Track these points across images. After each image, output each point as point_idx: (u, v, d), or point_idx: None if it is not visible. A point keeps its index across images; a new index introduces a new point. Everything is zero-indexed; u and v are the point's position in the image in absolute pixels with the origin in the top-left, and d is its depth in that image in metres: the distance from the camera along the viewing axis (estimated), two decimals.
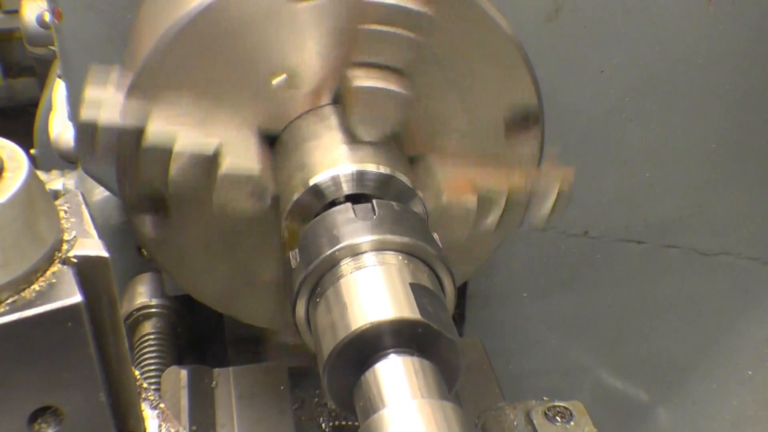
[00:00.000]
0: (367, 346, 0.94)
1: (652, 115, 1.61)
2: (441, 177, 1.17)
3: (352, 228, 1.02)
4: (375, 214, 1.04)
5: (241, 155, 1.10)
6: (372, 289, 0.97)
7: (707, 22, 1.52)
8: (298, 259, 1.04)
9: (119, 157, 1.12)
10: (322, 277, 1.01)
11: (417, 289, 0.97)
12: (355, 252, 1.00)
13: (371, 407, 0.91)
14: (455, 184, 1.17)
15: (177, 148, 1.08)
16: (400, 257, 1.01)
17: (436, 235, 1.08)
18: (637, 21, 1.50)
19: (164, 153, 1.08)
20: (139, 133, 1.07)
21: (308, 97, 1.15)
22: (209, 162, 1.09)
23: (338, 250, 1.00)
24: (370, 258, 1.00)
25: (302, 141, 1.14)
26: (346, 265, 1.00)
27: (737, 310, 1.84)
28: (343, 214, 1.05)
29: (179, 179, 1.10)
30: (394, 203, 1.07)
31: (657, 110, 1.61)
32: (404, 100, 1.10)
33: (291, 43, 1.11)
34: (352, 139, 1.12)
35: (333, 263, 1.01)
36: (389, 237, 1.01)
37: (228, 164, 1.08)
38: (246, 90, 1.13)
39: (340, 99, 1.14)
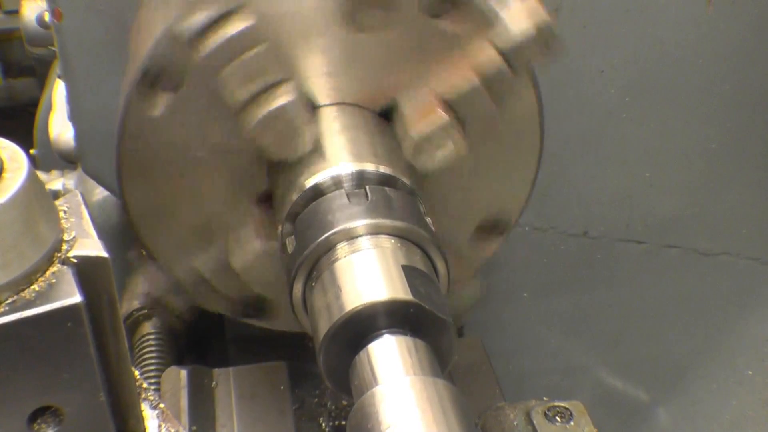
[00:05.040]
0: (361, 327, 0.96)
1: (652, 115, 1.61)
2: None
3: (347, 213, 1.04)
4: (368, 199, 1.05)
5: (298, 101, 1.10)
6: (366, 271, 0.99)
7: (707, 22, 1.52)
8: (294, 245, 1.06)
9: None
10: (318, 261, 1.03)
11: (410, 271, 0.99)
12: (350, 236, 1.02)
13: (365, 385, 0.93)
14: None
15: (252, 58, 1.06)
16: (393, 241, 1.02)
17: (429, 220, 1.09)
18: (637, 21, 1.50)
19: (239, 52, 1.06)
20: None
21: (358, 94, 1.16)
22: (267, 86, 1.08)
23: (334, 234, 1.02)
24: (365, 241, 1.02)
25: (322, 131, 1.15)
26: (341, 248, 1.02)
27: (737, 310, 1.84)
28: (338, 199, 1.06)
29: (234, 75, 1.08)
30: (387, 188, 1.08)
31: (657, 110, 1.61)
32: (460, 153, 1.13)
33: (383, 40, 1.12)
34: (401, 154, 1.14)
35: (329, 247, 1.02)
36: (383, 221, 1.03)
37: (287, 101, 1.08)
38: (315, 51, 1.13)
39: (398, 114, 1.16)
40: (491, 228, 1.27)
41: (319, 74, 1.15)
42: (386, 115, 1.19)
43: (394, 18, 1.12)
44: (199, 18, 1.05)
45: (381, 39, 1.13)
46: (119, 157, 1.16)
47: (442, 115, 1.13)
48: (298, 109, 1.09)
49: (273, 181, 1.17)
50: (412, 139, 1.13)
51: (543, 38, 1.12)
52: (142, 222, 1.21)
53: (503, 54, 1.12)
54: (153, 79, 1.11)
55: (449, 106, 1.13)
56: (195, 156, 1.16)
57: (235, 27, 1.05)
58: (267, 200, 1.19)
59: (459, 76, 1.13)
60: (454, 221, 1.24)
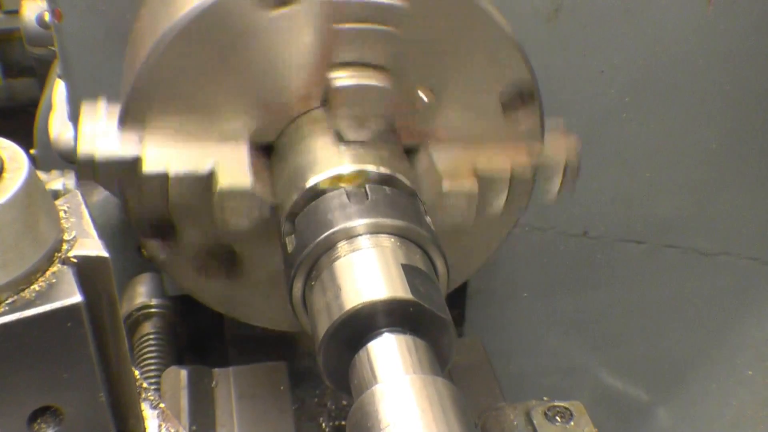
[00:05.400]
0: (361, 326, 0.96)
1: (652, 115, 1.61)
2: (440, 164, 1.18)
3: (347, 212, 1.04)
4: (368, 199, 1.05)
5: (235, 171, 1.11)
6: (366, 270, 0.99)
7: (707, 22, 1.52)
8: (294, 244, 1.06)
9: (121, 187, 1.14)
10: (317, 260, 1.03)
11: (409, 270, 0.99)
12: (350, 235, 1.02)
13: (364, 384, 0.93)
14: (454, 169, 1.18)
15: (172, 173, 1.10)
16: (393, 240, 1.03)
17: (429, 219, 1.09)
18: (637, 21, 1.50)
19: (162, 178, 1.10)
20: (135, 161, 1.10)
21: (299, 102, 1.15)
22: (205, 181, 1.10)
23: (334, 233, 1.02)
24: (364, 241, 1.02)
25: (298, 144, 1.15)
26: (341, 247, 1.02)
27: (737, 310, 1.84)
28: (337, 199, 1.06)
29: (179, 202, 1.12)
30: (386, 188, 1.08)
31: (657, 110, 1.61)
32: (388, 95, 1.11)
33: (275, 50, 1.11)
34: (340, 140, 1.12)
35: (329, 246, 1.03)
36: (383, 220, 1.03)
37: (222, 183, 1.09)
38: (235, 102, 1.13)
39: (326, 101, 1.15)
40: (518, 100, 1.24)
41: (274, 99, 1.16)
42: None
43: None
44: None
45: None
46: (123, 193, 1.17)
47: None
48: (236, 182, 1.11)
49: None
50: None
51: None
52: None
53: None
54: (150, 232, 1.18)
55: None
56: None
57: (145, 164, 1.10)
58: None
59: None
60: (475, 114, 1.22)
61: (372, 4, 1.08)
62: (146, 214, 1.16)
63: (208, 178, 1.11)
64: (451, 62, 1.17)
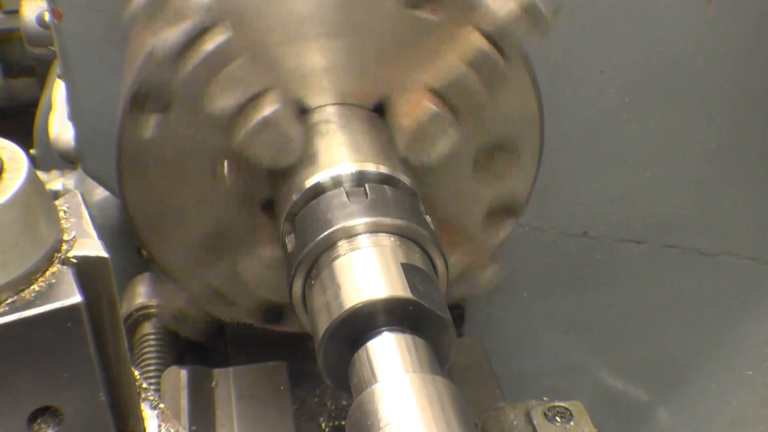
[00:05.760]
0: (360, 325, 0.96)
1: (652, 115, 1.61)
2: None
3: (346, 211, 1.04)
4: (368, 198, 1.05)
5: (284, 108, 1.10)
6: (365, 269, 0.99)
7: (707, 22, 1.52)
8: (293, 243, 1.06)
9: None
10: (317, 259, 1.03)
11: (409, 269, 0.99)
12: (349, 234, 1.02)
13: (364, 383, 0.93)
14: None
15: (233, 71, 1.06)
16: (393, 239, 1.03)
17: (428, 218, 1.09)
18: (637, 21, 1.50)
19: (220, 66, 1.06)
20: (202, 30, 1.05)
21: (350, 92, 1.16)
22: (251, 96, 1.08)
23: (333, 232, 1.03)
24: (364, 240, 1.02)
25: (319, 132, 1.15)
26: (341, 246, 1.02)
27: (737, 310, 1.84)
28: (337, 198, 1.06)
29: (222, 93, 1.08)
30: (386, 187, 1.08)
31: (657, 110, 1.61)
32: (456, 141, 1.13)
33: (368, 36, 1.12)
34: (396, 150, 1.14)
35: (328, 245, 1.03)
36: (383, 219, 1.03)
37: (272, 110, 1.08)
38: (302, 54, 1.12)
39: (390, 110, 1.16)
40: (503, 211, 1.26)
41: (308, 77, 1.14)
42: (381, 111, 1.19)
43: (375, 12, 1.12)
44: (176, 37, 1.04)
45: (367, 36, 1.13)
46: (120, 171, 1.16)
47: (429, 107, 1.13)
48: (285, 116, 1.09)
49: (274, 187, 1.17)
50: (404, 133, 1.14)
51: (529, 16, 1.11)
52: (148, 233, 1.21)
53: (489, 37, 1.11)
54: (142, 102, 1.11)
55: (441, 96, 1.12)
56: (194, 167, 1.16)
57: (212, 42, 1.04)
58: (272, 207, 1.19)
59: (447, 65, 1.12)
60: (464, 207, 1.24)
61: (491, 58, 1.10)
62: (149, 84, 1.12)
63: (260, 95, 1.08)
64: (483, 150, 1.21)
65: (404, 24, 1.12)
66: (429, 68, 1.13)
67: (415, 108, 1.13)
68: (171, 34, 1.04)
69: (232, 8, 1.07)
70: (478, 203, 1.25)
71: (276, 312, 1.28)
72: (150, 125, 1.12)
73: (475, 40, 1.11)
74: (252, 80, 1.07)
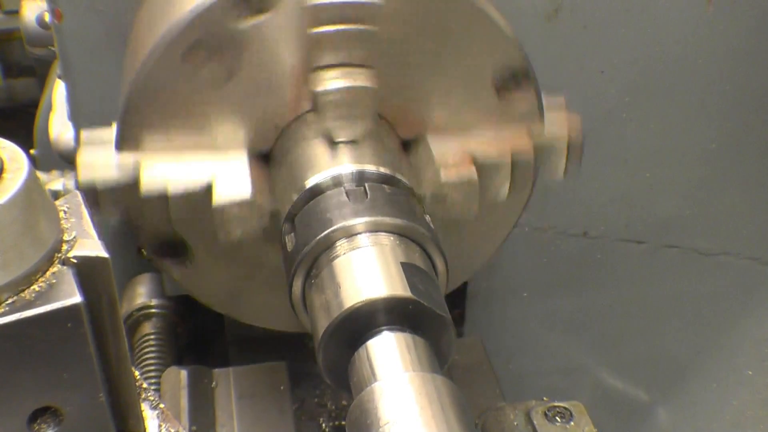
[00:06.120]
0: (360, 324, 0.96)
1: (652, 115, 1.61)
2: (437, 154, 1.17)
3: (346, 210, 1.04)
4: (367, 197, 1.06)
5: (234, 182, 1.11)
6: (365, 268, 0.99)
7: (707, 22, 1.52)
8: (293, 243, 1.06)
9: (125, 211, 1.14)
10: (317, 258, 1.03)
11: (408, 268, 0.99)
12: (349, 233, 1.03)
13: (364, 382, 0.93)
14: (452, 158, 1.17)
15: (171, 191, 1.10)
16: (392, 238, 1.03)
17: (428, 217, 1.09)
18: (637, 21, 1.50)
19: (162, 198, 1.10)
20: (135, 184, 1.10)
21: (290, 108, 1.15)
22: (205, 195, 1.10)
23: (333, 231, 1.03)
24: (364, 239, 1.02)
25: (295, 148, 1.15)
26: (340, 246, 1.02)
27: (737, 310, 1.84)
28: (336, 197, 1.07)
29: (182, 218, 1.12)
30: (386, 186, 1.08)
31: (657, 110, 1.61)
32: (373, 93, 1.11)
33: (260, 58, 1.11)
34: (331, 142, 1.13)
35: (328, 244, 1.03)
36: (382, 218, 1.03)
37: (219, 195, 1.09)
38: (228, 113, 1.13)
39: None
40: (512, 81, 1.22)
41: (268, 114, 1.15)
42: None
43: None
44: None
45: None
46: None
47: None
48: (233, 195, 1.10)
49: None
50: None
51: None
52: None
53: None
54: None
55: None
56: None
57: (142, 186, 1.10)
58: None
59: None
60: (465, 98, 1.21)
61: (347, 4, 1.08)
62: (154, 234, 1.17)
63: (207, 192, 1.10)
64: (438, 53, 1.15)
65: (479, 93, 1.18)
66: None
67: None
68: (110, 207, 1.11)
69: (141, 140, 1.12)
70: (478, 88, 1.21)
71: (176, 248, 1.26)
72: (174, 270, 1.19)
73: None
74: (191, 184, 1.11)
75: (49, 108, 2.08)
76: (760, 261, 1.80)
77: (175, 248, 1.19)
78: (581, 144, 1.21)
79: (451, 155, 1.17)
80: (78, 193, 0.83)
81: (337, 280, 1.00)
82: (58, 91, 2.00)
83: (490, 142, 1.19)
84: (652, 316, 1.84)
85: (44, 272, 0.75)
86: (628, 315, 1.83)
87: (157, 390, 1.37)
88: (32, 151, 2.41)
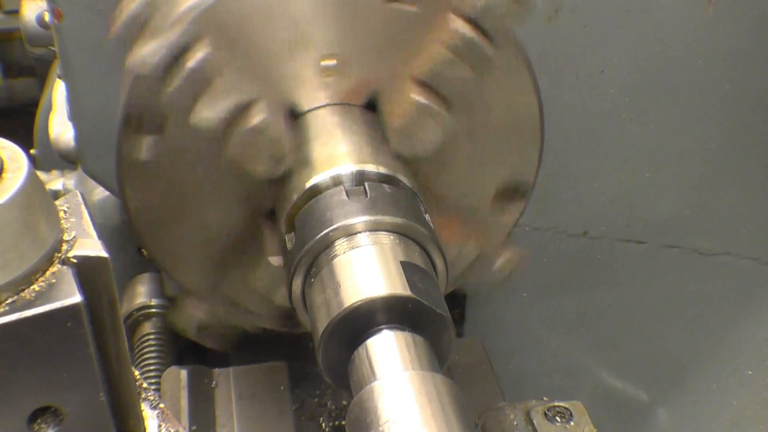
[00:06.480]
0: (360, 322, 0.96)
1: (652, 115, 1.61)
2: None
3: (346, 209, 1.04)
4: (367, 196, 1.06)
5: (273, 116, 1.10)
6: (365, 267, 0.99)
7: (707, 22, 1.52)
8: (293, 241, 1.06)
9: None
10: (317, 257, 1.03)
11: (408, 267, 0.99)
12: (349, 232, 1.03)
13: (364, 380, 0.93)
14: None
15: (218, 84, 1.07)
16: (392, 237, 1.03)
17: (428, 217, 1.09)
18: (637, 21, 1.50)
19: (204, 81, 1.06)
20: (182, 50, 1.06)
21: (343, 91, 1.15)
22: (238, 108, 1.08)
23: (333, 230, 1.03)
24: (363, 238, 1.02)
25: (316, 134, 1.15)
26: (340, 245, 1.02)
27: (737, 310, 1.84)
28: (336, 196, 1.07)
29: (208, 115, 1.08)
30: (385, 185, 1.08)
31: (657, 110, 1.61)
32: (449, 129, 1.13)
33: (353, 34, 1.11)
34: (389, 146, 1.14)
35: (327, 243, 1.03)
36: (382, 218, 1.03)
37: (260, 119, 1.08)
38: (291, 59, 1.12)
39: (380, 106, 1.16)
40: (511, 192, 1.26)
41: (298, 81, 1.14)
42: (372, 108, 1.19)
43: (358, 10, 1.12)
44: (156, 57, 1.04)
45: (352, 34, 1.13)
46: (120, 183, 1.16)
47: (413, 100, 1.13)
48: (273, 124, 1.09)
49: (275, 194, 1.17)
50: (394, 128, 1.14)
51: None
52: (156, 246, 1.21)
53: (471, 21, 1.11)
54: (136, 124, 1.11)
55: (429, 87, 1.13)
56: (194, 180, 1.16)
57: (193, 59, 1.05)
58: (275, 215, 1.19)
59: (431, 54, 1.13)
60: (471, 191, 1.24)
61: (475, 44, 1.10)
62: (142, 107, 1.12)
63: (244, 107, 1.08)
64: (484, 131, 1.19)
65: (387, 18, 1.12)
66: (414, 60, 1.13)
67: (402, 102, 1.14)
68: (150, 54, 1.04)
69: (214, 22, 1.07)
70: (485, 186, 1.25)
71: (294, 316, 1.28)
72: (146, 147, 1.13)
73: (457, 26, 1.11)
74: (238, 92, 1.07)
75: (49, 108, 2.08)
76: (760, 261, 1.80)
77: (152, 125, 1.15)
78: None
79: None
80: (78, 192, 0.83)
81: (336, 279, 1.00)
82: (58, 91, 2.01)
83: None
84: (652, 316, 1.84)
85: (44, 272, 0.75)
86: (628, 315, 1.83)
87: (157, 390, 1.37)
88: (32, 151, 2.41)
